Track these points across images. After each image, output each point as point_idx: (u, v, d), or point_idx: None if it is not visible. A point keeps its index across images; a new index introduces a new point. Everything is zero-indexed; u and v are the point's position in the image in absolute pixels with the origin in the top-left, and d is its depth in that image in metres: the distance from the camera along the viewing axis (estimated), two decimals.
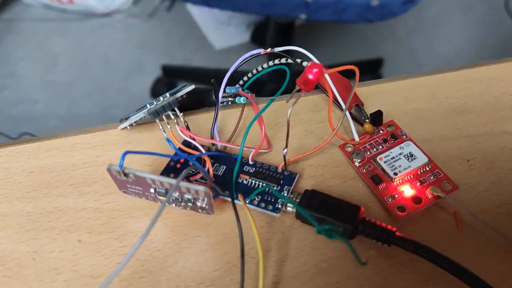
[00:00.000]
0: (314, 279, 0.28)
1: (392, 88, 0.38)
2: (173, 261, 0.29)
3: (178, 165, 0.32)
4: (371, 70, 1.32)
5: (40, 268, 0.28)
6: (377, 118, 0.34)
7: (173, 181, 0.26)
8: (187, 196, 0.27)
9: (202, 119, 0.36)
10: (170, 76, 1.30)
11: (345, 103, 0.35)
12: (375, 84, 0.38)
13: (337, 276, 0.28)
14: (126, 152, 0.26)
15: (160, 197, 0.28)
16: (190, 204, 0.28)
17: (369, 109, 0.36)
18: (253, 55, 0.32)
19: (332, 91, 0.30)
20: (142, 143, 0.34)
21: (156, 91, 1.26)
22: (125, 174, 0.27)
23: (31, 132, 1.11)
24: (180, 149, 0.32)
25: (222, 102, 0.36)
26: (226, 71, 0.33)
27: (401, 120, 0.36)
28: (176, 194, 0.27)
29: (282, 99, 0.36)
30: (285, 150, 0.31)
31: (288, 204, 0.30)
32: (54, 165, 0.33)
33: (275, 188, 0.31)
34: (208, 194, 0.26)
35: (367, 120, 0.34)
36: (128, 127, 0.32)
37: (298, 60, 0.37)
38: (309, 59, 0.34)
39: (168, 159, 0.32)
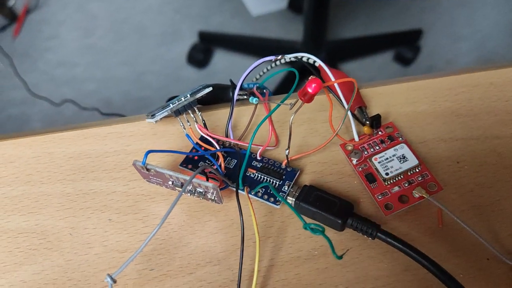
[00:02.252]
0: (305, 264, 0.33)
1: (394, 90, 0.41)
2: (186, 241, 0.34)
3: (196, 157, 0.37)
4: (410, 41, 1.32)
5: (76, 242, 0.34)
6: (376, 121, 0.37)
7: (187, 177, 0.30)
8: (199, 189, 0.32)
9: (219, 115, 0.40)
10: (206, 43, 1.34)
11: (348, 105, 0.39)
12: (379, 86, 0.41)
13: (326, 263, 0.33)
14: (149, 152, 0.31)
15: (177, 188, 0.33)
16: (202, 195, 0.33)
17: (372, 109, 0.40)
18: (264, 61, 0.36)
19: (331, 100, 0.34)
20: (165, 135, 0.39)
21: (192, 58, 1.30)
22: (147, 169, 0.32)
23: (71, 95, 1.19)
24: (197, 144, 0.36)
25: (238, 99, 0.40)
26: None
27: (401, 121, 0.39)
28: (190, 187, 0.32)
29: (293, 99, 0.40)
30: (287, 151, 0.35)
31: (288, 197, 0.35)
32: (90, 152, 0.38)
33: (278, 182, 0.35)
34: (216, 189, 0.31)
35: (367, 123, 0.38)
36: (154, 122, 0.37)
37: (311, 60, 0.40)
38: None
39: (188, 151, 0.37)
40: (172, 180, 0.32)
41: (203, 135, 0.36)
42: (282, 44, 1.31)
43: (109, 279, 0.27)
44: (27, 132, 0.39)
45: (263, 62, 0.36)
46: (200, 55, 1.31)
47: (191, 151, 0.37)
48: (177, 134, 0.39)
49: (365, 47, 1.35)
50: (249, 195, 0.34)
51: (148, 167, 0.31)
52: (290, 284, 0.32)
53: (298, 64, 0.40)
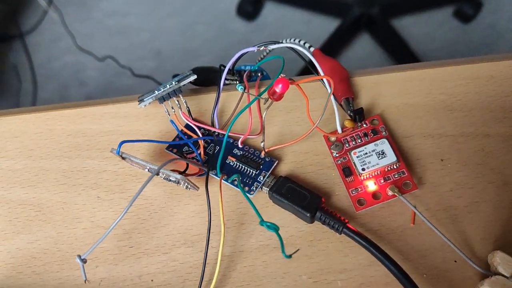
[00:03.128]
0: (272, 252, 0.34)
1: (389, 79, 0.40)
2: (165, 222, 0.36)
3: (181, 143, 0.38)
4: None
5: (66, 216, 0.37)
6: (359, 115, 0.37)
7: (155, 167, 0.32)
8: (171, 178, 0.34)
9: (209, 99, 0.41)
10: None
11: (336, 96, 0.39)
12: (372, 74, 0.41)
13: (287, 252, 0.34)
14: (122, 142, 0.33)
15: (149, 172, 0.35)
16: (177, 183, 0.34)
17: (362, 99, 0.40)
18: (247, 52, 0.36)
19: (306, 97, 0.34)
20: (157, 117, 0.40)
21: (242, 9, 1.28)
22: (123, 158, 0.34)
23: (123, 45, 1.22)
24: (182, 131, 0.38)
25: (229, 84, 0.40)
26: None
27: (389, 114, 0.38)
28: (163, 176, 0.34)
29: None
30: (263, 143, 0.36)
31: (263, 187, 0.36)
32: (87, 131, 0.41)
33: (254, 172, 0.36)
34: (184, 180, 0.32)
35: (351, 115, 0.38)
36: (143, 107, 0.38)
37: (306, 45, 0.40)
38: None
39: (175, 134, 0.39)
40: (147, 168, 0.34)
41: (188, 122, 0.38)
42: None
43: (78, 260, 0.30)
44: (32, 108, 0.42)
45: (247, 52, 0.36)
46: (249, 7, 1.29)
47: (175, 138, 0.38)
48: (168, 118, 0.40)
49: (422, 1, 1.29)
50: (226, 182, 0.36)
51: (123, 155, 0.33)
52: (256, 270, 0.34)
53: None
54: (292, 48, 0.39)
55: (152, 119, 0.40)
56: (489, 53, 1.18)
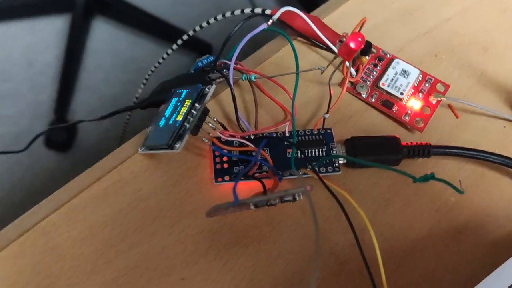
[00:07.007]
0: (387, 209, 0.33)
1: (347, 10, 0.40)
2: (276, 253, 0.31)
3: (225, 165, 0.32)
4: None
5: None
6: (368, 49, 0.36)
7: (274, 195, 0.27)
8: (286, 198, 0.28)
9: (211, 106, 0.35)
10: None
11: (332, 42, 0.37)
12: (332, 11, 0.40)
13: (400, 201, 0.33)
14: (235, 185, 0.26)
15: (252, 207, 0.29)
16: (292, 201, 0.29)
17: None
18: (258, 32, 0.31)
19: (348, 68, 0.31)
20: (173, 159, 0.32)
21: None
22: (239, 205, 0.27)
23: None
24: (229, 151, 0.32)
25: (219, 82, 0.35)
26: None
27: (372, 39, 0.39)
28: (277, 200, 0.28)
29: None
30: (327, 114, 0.32)
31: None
32: (103, 219, 0.30)
33: (323, 148, 0.33)
34: (308, 192, 0.28)
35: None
36: (179, 151, 0.30)
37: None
38: None
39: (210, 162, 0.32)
40: (255, 203, 0.28)
41: (228, 138, 0.32)
42: None
43: None
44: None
45: (258, 32, 0.31)
46: None
47: (219, 161, 0.32)
48: (187, 149, 0.33)
49: None
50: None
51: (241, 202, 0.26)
52: (390, 226, 0.32)
53: None
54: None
55: (168, 163, 0.32)
56: None
